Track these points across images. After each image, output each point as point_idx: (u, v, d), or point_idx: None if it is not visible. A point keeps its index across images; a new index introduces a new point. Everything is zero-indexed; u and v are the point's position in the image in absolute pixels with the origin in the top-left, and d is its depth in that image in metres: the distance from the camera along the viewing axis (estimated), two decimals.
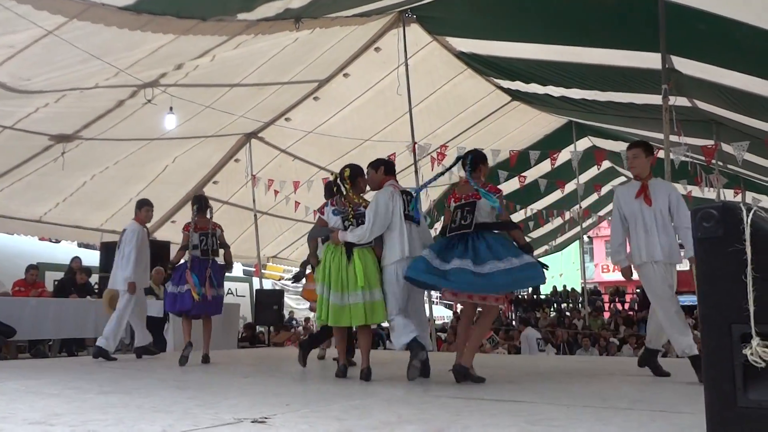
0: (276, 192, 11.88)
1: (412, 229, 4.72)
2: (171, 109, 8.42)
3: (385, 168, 5.03)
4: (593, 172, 14.58)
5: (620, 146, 11.90)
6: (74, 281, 9.85)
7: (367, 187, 5.10)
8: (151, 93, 8.07)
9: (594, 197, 16.32)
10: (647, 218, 4.40)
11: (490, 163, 11.28)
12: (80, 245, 14.55)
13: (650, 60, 7.16)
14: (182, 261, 6.48)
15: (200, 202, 6.55)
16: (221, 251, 6.59)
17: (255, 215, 11.95)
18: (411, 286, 4.65)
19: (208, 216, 6.50)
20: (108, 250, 11.65)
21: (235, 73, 8.58)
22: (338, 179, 4.99)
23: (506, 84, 10.93)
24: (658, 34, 6.41)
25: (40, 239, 13.42)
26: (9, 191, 10.12)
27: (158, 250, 11.51)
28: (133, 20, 6.07)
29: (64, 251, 13.56)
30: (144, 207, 7.08)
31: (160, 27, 6.39)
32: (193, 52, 7.41)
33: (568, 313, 17.03)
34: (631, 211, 4.51)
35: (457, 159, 4.82)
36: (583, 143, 13.81)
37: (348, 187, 4.88)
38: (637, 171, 4.57)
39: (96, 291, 10.30)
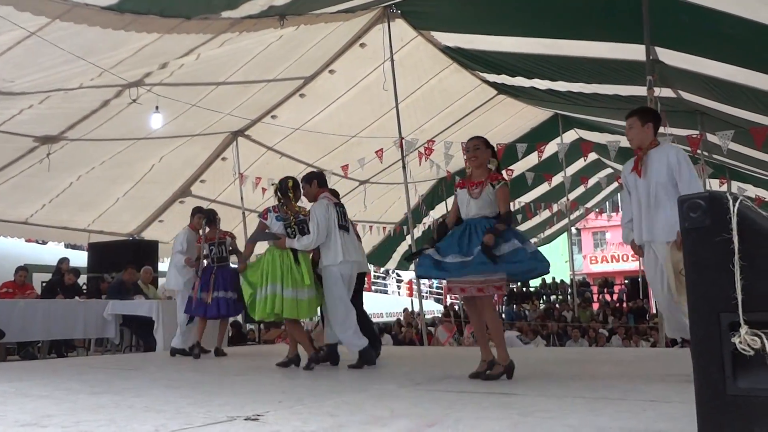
0: (264, 190, 11.84)
1: (345, 237, 5.34)
2: (157, 108, 8.37)
3: (318, 181, 5.55)
4: (580, 164, 14.66)
5: (606, 138, 11.97)
6: (62, 282, 9.78)
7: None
8: (136, 92, 8.03)
9: (581, 189, 16.42)
10: (641, 193, 4.10)
11: None
12: (67, 246, 14.43)
13: (635, 51, 7.20)
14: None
15: (208, 216, 7.12)
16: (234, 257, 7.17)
17: (243, 213, 11.91)
18: (349, 284, 5.33)
19: (218, 226, 7.09)
20: (95, 251, 11.63)
21: (221, 71, 8.55)
22: (281, 188, 5.50)
23: (492, 78, 10.95)
24: (642, 26, 6.46)
25: (27, 241, 13.36)
26: None
27: (146, 250, 11.50)
28: (116, 20, 6.03)
29: (51, 252, 13.48)
30: (196, 215, 7.35)
31: (144, 26, 6.36)
32: (178, 50, 7.38)
33: (557, 305, 17.13)
34: (629, 186, 4.23)
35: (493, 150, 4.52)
36: (570, 135, 13.88)
37: (291, 196, 5.44)
38: (634, 143, 4.18)
39: (84, 291, 10.24)
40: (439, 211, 16.49)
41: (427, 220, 16.32)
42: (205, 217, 7.10)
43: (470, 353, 4.78)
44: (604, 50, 7.93)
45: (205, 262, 6.87)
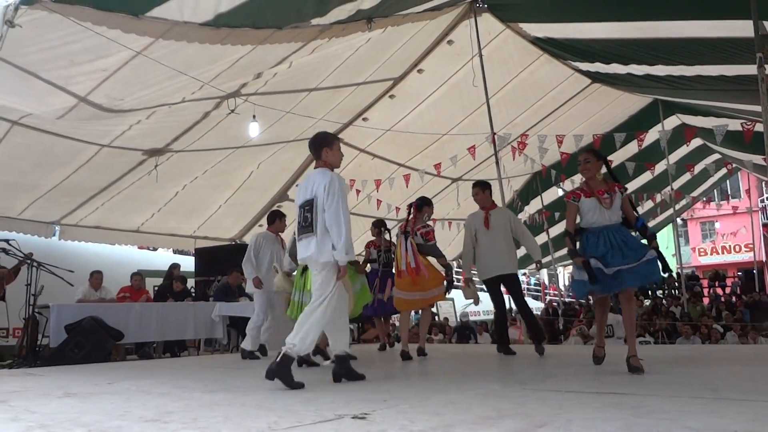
0: (358, 191, 12.03)
1: None
2: (254, 117, 8.68)
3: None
4: (683, 151, 13.96)
5: (712, 122, 11.32)
6: (172, 286, 10.33)
7: None
8: (233, 103, 8.35)
9: (686, 177, 15.61)
10: None
11: (573, 148, 11.11)
12: (176, 252, 15.26)
13: (741, 28, 6.75)
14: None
15: (379, 227, 7.75)
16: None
17: None
18: None
19: (386, 237, 7.71)
20: (201, 256, 12.20)
21: (312, 77, 8.76)
22: None
23: (585, 66, 10.60)
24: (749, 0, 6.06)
25: (139, 248, 14.17)
26: (109, 205, 10.76)
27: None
28: (213, 35, 6.28)
29: (161, 258, 14.27)
30: (277, 218, 7.66)
31: (239, 39, 6.59)
32: (271, 60, 7.61)
33: (664, 301, 16.35)
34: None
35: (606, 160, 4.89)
36: (672, 121, 13.22)
37: None
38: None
39: (193, 295, 10.76)
40: (534, 206, 16.17)
41: (522, 216, 16.03)
42: (377, 228, 7.74)
43: (573, 351, 4.66)
44: (705, 29, 7.49)
45: (369, 265, 7.53)
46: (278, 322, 7.32)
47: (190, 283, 11.24)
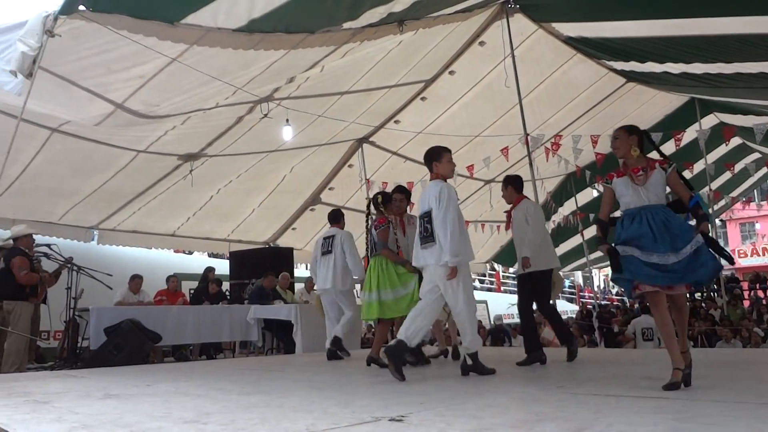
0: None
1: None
2: (287, 120, 8.75)
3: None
4: (722, 150, 13.66)
5: (751, 120, 11.07)
6: (207, 289, 10.47)
7: None
8: (267, 107, 8.43)
9: (725, 177, 15.27)
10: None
11: (608, 149, 10.93)
12: (211, 255, 15.46)
13: None
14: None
15: None
16: None
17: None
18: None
19: None
20: (236, 259, 12.34)
21: (344, 81, 8.79)
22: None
23: (620, 65, 10.44)
24: None
25: (175, 251, 14.40)
26: (145, 209, 10.95)
27: (282, 257, 12.05)
28: (246, 40, 6.35)
29: (197, 261, 14.48)
30: (341, 217, 7.64)
31: (272, 44, 6.66)
32: (304, 64, 7.67)
33: (703, 304, 16.00)
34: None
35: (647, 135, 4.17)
36: (709, 120, 12.94)
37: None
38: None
39: (228, 297, 10.87)
40: (568, 207, 15.99)
41: (556, 217, 15.85)
42: None
43: (611, 354, 4.58)
44: (743, 25, 7.32)
45: None
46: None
47: (225, 286, 11.37)
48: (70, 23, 5.07)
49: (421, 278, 5.19)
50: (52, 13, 4.91)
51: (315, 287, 8.09)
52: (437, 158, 4.89)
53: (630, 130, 4.08)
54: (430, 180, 4.94)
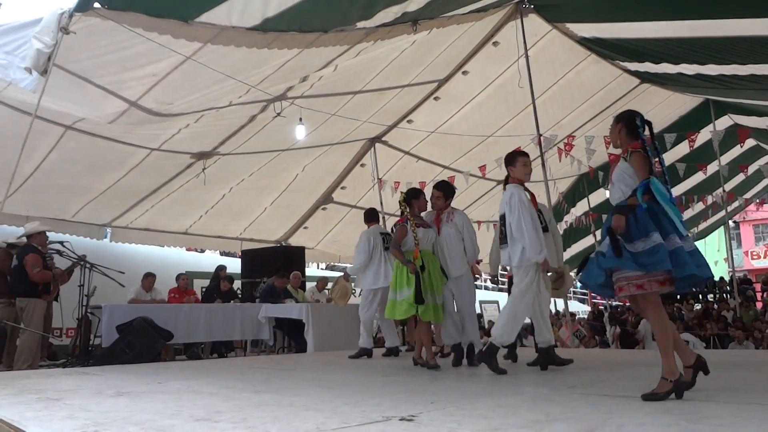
0: (399, 203, 12.01)
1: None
2: (300, 119, 8.76)
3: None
4: (736, 151, 13.54)
5: (765, 122, 10.97)
6: (219, 288, 10.50)
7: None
8: (280, 106, 8.44)
9: (740, 178, 15.14)
10: None
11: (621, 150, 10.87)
12: (223, 254, 15.51)
13: None
14: None
15: None
16: None
17: (383, 218, 12.17)
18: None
19: None
20: (248, 258, 12.37)
21: (357, 80, 8.80)
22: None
23: (634, 66, 10.37)
24: None
25: (187, 249, 14.46)
26: (158, 207, 11.01)
27: (294, 255, 12.07)
28: (260, 39, 6.37)
29: (209, 260, 14.53)
30: (378, 214, 7.84)
31: (285, 43, 6.67)
32: (317, 63, 7.68)
33: (716, 305, 15.88)
34: None
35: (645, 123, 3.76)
36: (724, 122, 12.82)
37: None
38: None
39: (239, 296, 10.90)
40: (580, 208, 15.91)
41: (569, 218, 15.77)
42: None
43: (622, 355, 4.55)
44: (759, 26, 7.25)
45: None
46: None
47: (237, 284, 11.40)
48: (85, 20, 5.11)
49: (418, 281, 5.35)
50: (67, 11, 4.95)
51: (357, 285, 8.08)
52: (511, 163, 5.13)
53: (617, 117, 3.84)
54: (508, 183, 5.12)
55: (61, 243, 7.78)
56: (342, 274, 8.52)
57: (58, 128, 7.81)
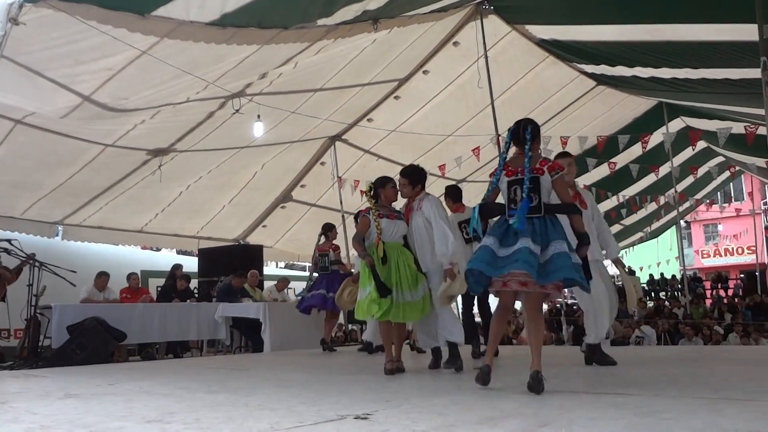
0: (362, 192, 12.00)
1: None
2: (258, 116, 8.67)
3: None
4: (688, 153, 13.92)
5: (716, 125, 11.30)
6: (176, 287, 10.31)
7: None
8: (238, 103, 8.35)
9: (689, 180, 15.58)
10: None
11: (578, 150, 11.07)
12: (179, 252, 15.26)
13: (745, 32, 6.73)
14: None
15: (324, 231, 8.32)
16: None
17: (342, 216, 12.13)
18: None
19: (325, 239, 8.26)
20: (205, 256, 12.19)
21: (317, 77, 8.76)
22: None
23: (590, 68, 10.58)
24: (753, 4, 6.03)
25: (142, 248, 14.16)
26: (113, 204, 10.77)
27: (252, 254, 11.93)
28: (218, 34, 6.29)
29: (165, 258, 14.25)
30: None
31: (245, 39, 6.60)
32: (276, 60, 7.62)
33: (667, 303, 16.32)
34: None
35: (512, 132, 3.98)
36: (676, 124, 13.19)
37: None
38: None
39: (196, 295, 10.74)
40: None
41: None
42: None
43: (564, 351, 4.63)
44: (711, 33, 7.48)
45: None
46: None
47: (194, 283, 11.22)
48: (37, 11, 4.97)
49: (375, 273, 4.80)
50: (18, 1, 4.81)
51: None
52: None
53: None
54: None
55: (9, 241, 7.54)
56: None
57: (7, 122, 7.58)
